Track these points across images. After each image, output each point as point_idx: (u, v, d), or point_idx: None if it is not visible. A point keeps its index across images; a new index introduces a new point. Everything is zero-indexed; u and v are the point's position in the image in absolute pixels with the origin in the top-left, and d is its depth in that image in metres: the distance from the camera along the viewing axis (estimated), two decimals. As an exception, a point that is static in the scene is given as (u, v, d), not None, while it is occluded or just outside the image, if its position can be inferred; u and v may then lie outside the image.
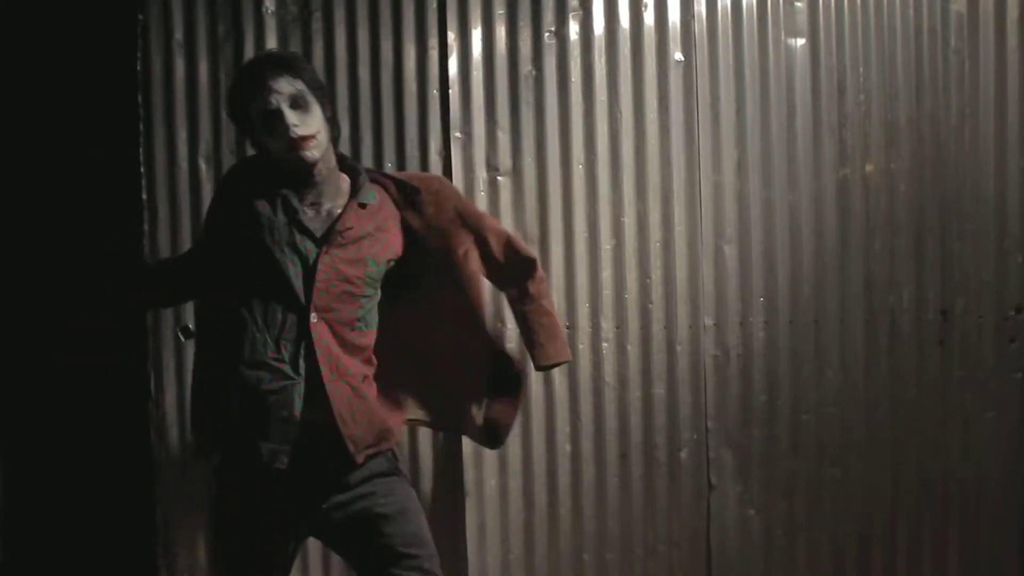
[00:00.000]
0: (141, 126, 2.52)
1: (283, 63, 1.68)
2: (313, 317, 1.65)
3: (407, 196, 1.86)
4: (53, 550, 3.01)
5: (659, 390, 2.52)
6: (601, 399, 2.52)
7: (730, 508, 2.56)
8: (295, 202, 1.70)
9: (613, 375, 2.52)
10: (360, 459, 1.71)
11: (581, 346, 2.51)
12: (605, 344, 2.52)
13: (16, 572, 2.95)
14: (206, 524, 1.80)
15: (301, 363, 1.65)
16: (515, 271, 2.04)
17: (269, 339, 1.64)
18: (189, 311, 2.52)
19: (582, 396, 2.52)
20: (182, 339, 2.53)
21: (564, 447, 2.52)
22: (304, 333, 1.65)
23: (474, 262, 1.93)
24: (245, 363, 1.64)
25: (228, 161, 2.51)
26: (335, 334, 1.69)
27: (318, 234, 1.71)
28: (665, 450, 2.54)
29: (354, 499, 1.72)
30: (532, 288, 2.05)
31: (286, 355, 1.64)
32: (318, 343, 1.65)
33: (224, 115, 2.48)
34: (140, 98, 2.52)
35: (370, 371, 1.80)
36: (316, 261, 1.67)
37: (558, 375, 2.51)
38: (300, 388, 1.65)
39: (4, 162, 2.98)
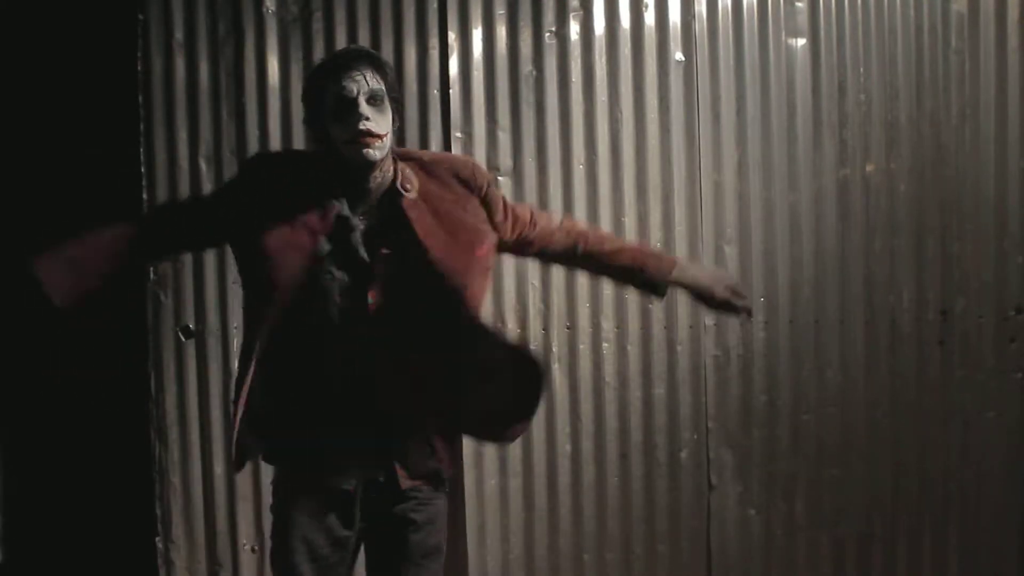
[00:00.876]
0: (141, 126, 2.52)
1: (373, 59, 1.62)
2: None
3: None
4: (53, 550, 3.01)
5: (659, 390, 2.52)
6: (601, 399, 2.52)
7: (730, 508, 2.56)
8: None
9: (613, 375, 2.52)
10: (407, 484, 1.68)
11: (581, 346, 2.52)
12: (606, 344, 2.52)
13: (16, 572, 2.95)
14: (272, 535, 1.78)
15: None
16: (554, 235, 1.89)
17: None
18: (189, 311, 2.52)
19: (582, 396, 2.52)
20: (182, 339, 2.53)
21: (564, 447, 2.53)
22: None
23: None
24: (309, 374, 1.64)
25: (228, 161, 2.51)
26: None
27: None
28: (665, 450, 2.54)
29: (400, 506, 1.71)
30: (581, 237, 1.86)
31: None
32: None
33: (224, 115, 2.51)
34: (140, 98, 2.51)
35: None
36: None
37: (558, 375, 2.51)
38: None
39: (4, 162, 2.98)
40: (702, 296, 1.83)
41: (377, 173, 1.62)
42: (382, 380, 1.62)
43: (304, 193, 1.60)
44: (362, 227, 1.62)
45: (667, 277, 1.80)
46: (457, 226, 1.65)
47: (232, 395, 1.76)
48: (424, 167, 1.70)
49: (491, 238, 1.70)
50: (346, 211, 1.60)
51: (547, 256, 1.86)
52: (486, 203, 1.70)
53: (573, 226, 1.86)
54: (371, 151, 1.56)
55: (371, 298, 1.59)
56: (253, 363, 1.62)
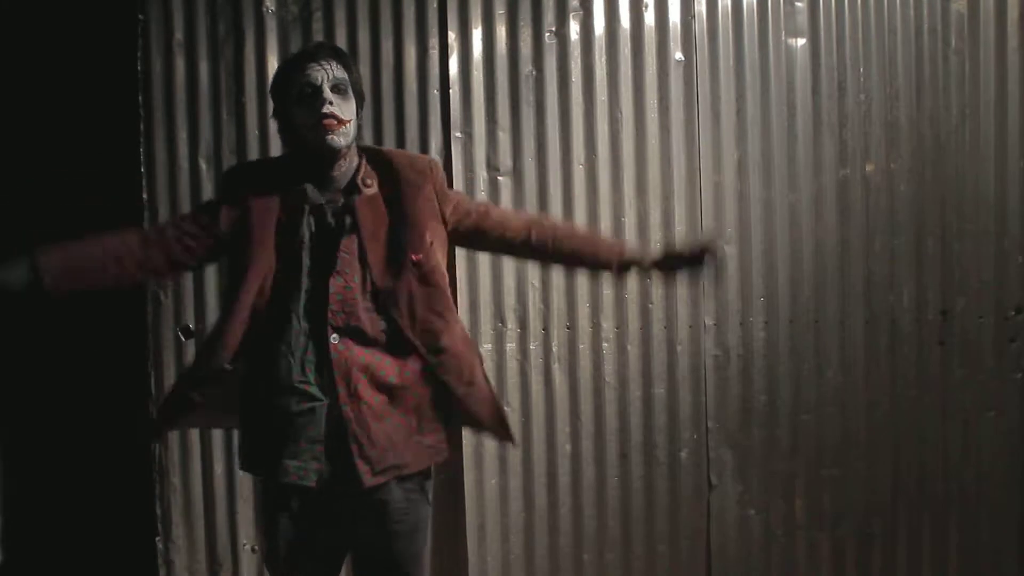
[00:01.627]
0: (141, 126, 2.52)
1: (337, 52, 1.69)
2: (334, 339, 1.63)
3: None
4: (53, 549, 3.01)
5: (659, 390, 2.52)
6: (601, 399, 2.52)
7: (730, 508, 2.56)
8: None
9: (613, 375, 2.52)
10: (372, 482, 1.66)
11: (581, 346, 2.52)
12: (605, 344, 2.52)
13: (16, 572, 2.95)
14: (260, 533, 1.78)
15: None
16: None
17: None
18: (190, 311, 2.52)
19: (582, 396, 2.52)
20: (182, 339, 2.53)
21: (564, 447, 2.53)
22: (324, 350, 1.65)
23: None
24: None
25: (228, 161, 2.51)
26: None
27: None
28: (665, 450, 2.54)
29: (375, 511, 1.70)
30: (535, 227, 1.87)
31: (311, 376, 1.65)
32: (336, 363, 1.63)
33: (224, 115, 2.51)
34: (140, 98, 2.51)
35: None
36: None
37: (558, 375, 2.51)
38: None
39: (4, 162, 2.98)
40: (667, 260, 1.84)
41: (342, 162, 1.67)
42: (340, 375, 1.62)
43: (276, 188, 1.66)
44: (330, 215, 1.66)
45: (623, 255, 1.83)
46: (404, 220, 1.68)
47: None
48: (386, 156, 1.76)
49: (438, 236, 1.72)
50: (315, 198, 1.64)
51: (504, 247, 1.87)
52: (439, 192, 1.74)
53: (527, 215, 1.94)
54: (335, 137, 1.61)
55: (332, 287, 1.62)
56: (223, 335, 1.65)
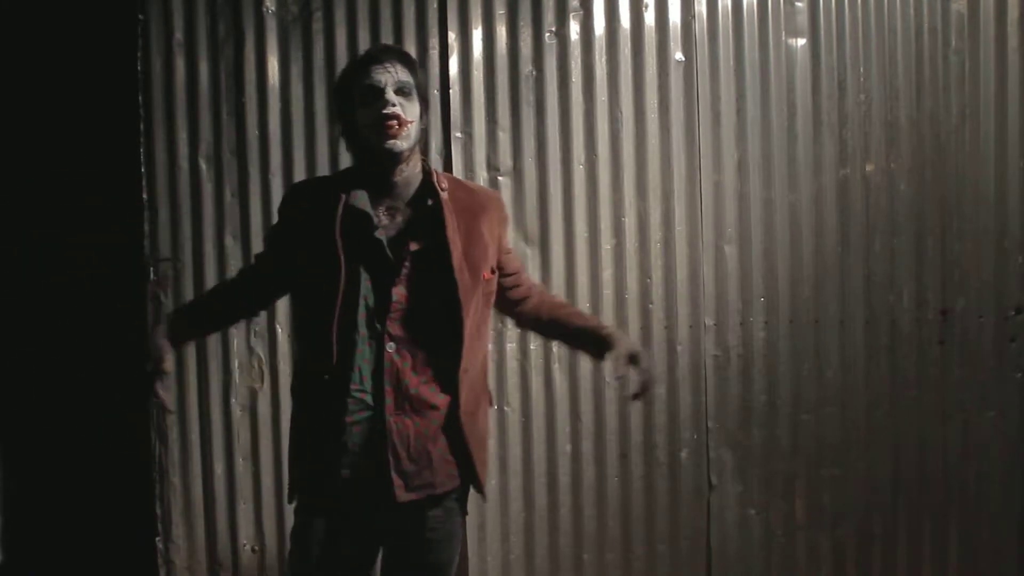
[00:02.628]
0: (141, 126, 2.52)
1: (404, 56, 1.65)
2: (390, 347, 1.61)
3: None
4: (54, 549, 3.01)
5: (659, 390, 2.52)
6: (601, 399, 2.53)
7: (730, 508, 2.56)
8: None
9: (613, 375, 2.52)
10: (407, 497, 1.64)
11: (581, 346, 2.52)
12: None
13: (16, 572, 2.95)
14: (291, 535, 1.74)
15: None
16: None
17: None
18: (189, 311, 2.52)
19: (582, 396, 2.52)
20: (182, 339, 2.53)
21: (564, 447, 2.53)
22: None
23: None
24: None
25: (228, 161, 2.51)
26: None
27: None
28: (665, 450, 2.54)
29: (411, 521, 1.69)
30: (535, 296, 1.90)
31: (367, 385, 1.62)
32: (388, 373, 1.61)
33: (224, 115, 2.51)
34: (140, 98, 2.51)
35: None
36: None
37: (558, 375, 2.51)
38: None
39: (4, 162, 2.97)
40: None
41: (403, 167, 1.63)
42: (391, 385, 1.60)
43: (333, 202, 1.62)
44: (386, 222, 1.63)
45: (612, 341, 1.81)
46: (476, 237, 1.66)
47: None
48: (454, 178, 1.76)
49: (493, 260, 1.71)
50: (362, 204, 1.61)
51: (518, 317, 1.89)
52: (500, 219, 1.75)
53: (540, 290, 1.93)
54: (396, 141, 1.57)
55: (395, 295, 1.59)
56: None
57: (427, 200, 1.64)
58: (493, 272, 1.70)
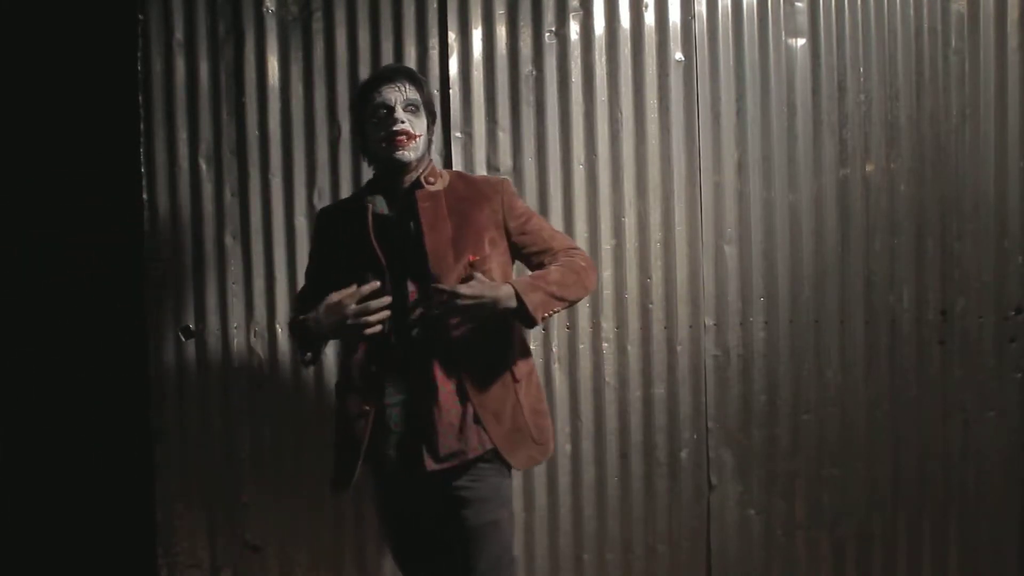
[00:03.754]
0: (141, 126, 2.52)
1: (412, 75, 1.85)
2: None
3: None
4: (54, 549, 3.01)
5: (659, 390, 2.52)
6: (601, 399, 2.53)
7: (730, 508, 2.56)
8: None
9: (613, 375, 2.52)
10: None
11: (581, 346, 2.52)
12: (605, 344, 2.52)
13: (16, 571, 2.95)
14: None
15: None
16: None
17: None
18: (190, 311, 2.52)
19: (582, 396, 2.52)
20: (182, 339, 2.53)
21: (564, 447, 2.53)
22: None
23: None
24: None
25: (228, 161, 2.51)
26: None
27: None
28: (665, 450, 2.54)
29: (443, 480, 1.84)
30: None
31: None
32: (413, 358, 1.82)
33: (224, 115, 2.51)
34: (140, 98, 2.52)
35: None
36: None
37: (559, 375, 2.51)
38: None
39: (4, 162, 2.98)
40: None
41: (412, 174, 1.87)
42: (415, 367, 1.79)
43: (361, 212, 1.85)
44: (394, 220, 1.84)
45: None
46: (466, 223, 1.85)
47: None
48: (465, 175, 1.96)
49: (497, 245, 1.88)
50: (381, 208, 1.85)
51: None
52: (506, 207, 1.91)
53: (561, 261, 1.96)
54: (405, 152, 1.81)
55: (410, 285, 1.81)
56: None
57: (413, 194, 1.85)
58: (480, 255, 1.84)
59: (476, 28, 2.50)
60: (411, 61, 2.50)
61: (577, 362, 2.51)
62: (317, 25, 2.51)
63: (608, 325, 2.52)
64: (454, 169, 2.02)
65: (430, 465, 1.77)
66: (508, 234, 1.91)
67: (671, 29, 2.52)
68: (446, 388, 1.78)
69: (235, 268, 2.52)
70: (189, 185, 2.52)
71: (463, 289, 1.74)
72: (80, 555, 2.99)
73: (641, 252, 2.51)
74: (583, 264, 1.93)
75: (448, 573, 1.88)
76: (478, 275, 1.80)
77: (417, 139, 1.81)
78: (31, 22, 2.94)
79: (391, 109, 1.80)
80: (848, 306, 2.54)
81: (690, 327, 2.53)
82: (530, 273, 1.93)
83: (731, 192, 2.53)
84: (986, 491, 2.56)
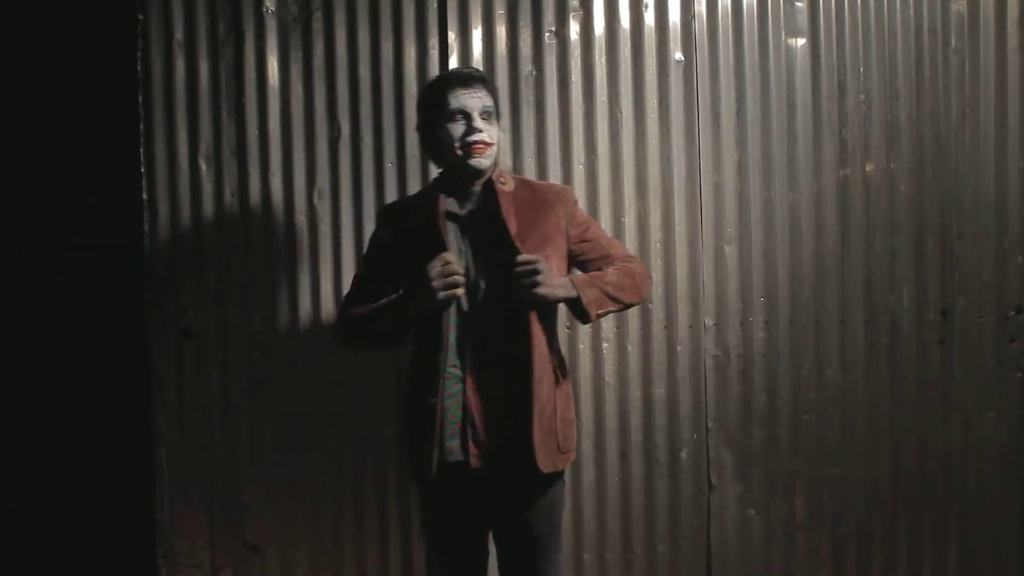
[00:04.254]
0: (141, 126, 2.52)
1: (488, 82, 1.87)
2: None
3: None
4: (54, 550, 3.01)
5: (659, 390, 2.52)
6: (601, 399, 2.52)
7: (730, 508, 2.56)
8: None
9: (613, 375, 2.52)
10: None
11: (581, 346, 2.52)
12: (605, 344, 2.52)
13: (17, 571, 2.95)
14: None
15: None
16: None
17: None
18: (190, 311, 2.52)
19: (582, 396, 2.52)
20: (182, 339, 2.53)
21: (564, 447, 2.52)
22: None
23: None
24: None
25: (228, 161, 2.51)
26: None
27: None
28: (665, 450, 2.54)
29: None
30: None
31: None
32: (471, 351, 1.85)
33: (224, 115, 2.51)
34: (140, 98, 2.51)
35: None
36: None
37: (558, 375, 2.51)
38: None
39: (4, 162, 2.98)
40: None
41: (484, 176, 1.89)
42: (477, 363, 1.82)
43: (432, 211, 1.86)
44: (466, 219, 1.87)
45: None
46: (530, 227, 1.87)
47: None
48: (528, 180, 2.01)
49: (557, 250, 1.91)
50: (453, 209, 1.87)
51: None
52: (568, 214, 1.95)
53: (618, 268, 1.99)
54: (481, 159, 1.83)
55: (482, 283, 1.84)
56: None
57: (489, 194, 1.87)
58: (545, 255, 1.85)
59: (476, 28, 2.50)
60: (411, 61, 2.50)
61: (577, 362, 2.51)
62: (317, 25, 2.51)
63: (608, 325, 2.52)
64: (514, 174, 2.06)
65: (475, 463, 1.80)
66: (568, 240, 1.94)
67: (671, 29, 2.52)
68: (497, 387, 1.82)
69: (235, 268, 2.52)
70: (189, 185, 2.52)
71: (543, 286, 1.77)
72: (80, 555, 2.99)
73: (641, 252, 2.51)
74: (639, 271, 1.99)
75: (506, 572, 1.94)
76: (543, 263, 1.81)
77: (493, 147, 1.84)
78: (31, 22, 2.94)
79: (469, 116, 1.82)
80: (848, 306, 2.54)
81: (690, 327, 2.53)
82: (588, 273, 1.97)
83: (731, 192, 2.53)
84: (986, 491, 2.56)
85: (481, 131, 1.81)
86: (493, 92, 1.87)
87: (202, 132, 2.52)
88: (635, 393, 2.53)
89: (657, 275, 2.51)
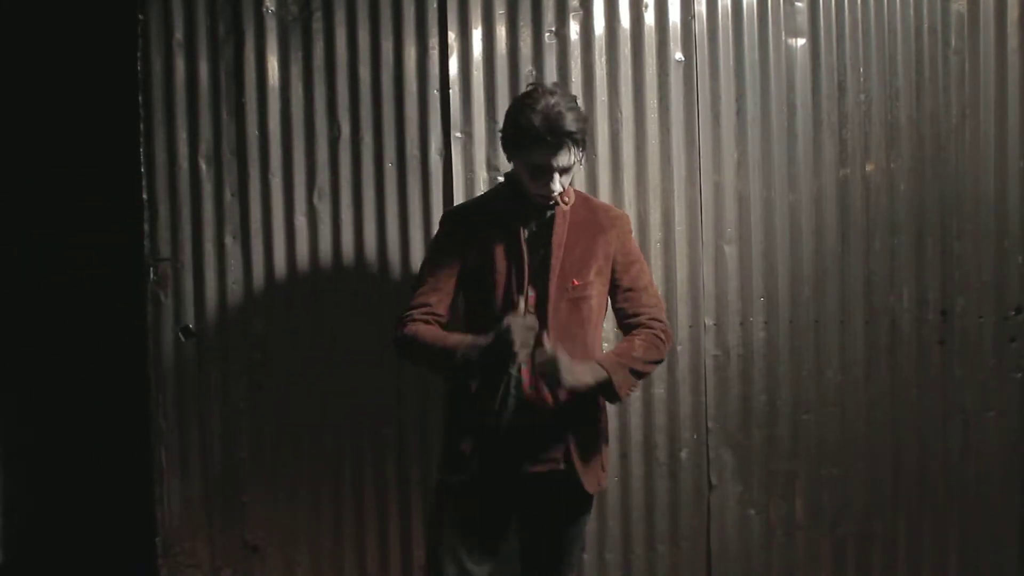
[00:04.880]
0: (141, 126, 2.52)
1: (575, 137, 1.84)
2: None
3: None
4: (54, 549, 3.01)
5: (659, 390, 2.52)
6: (601, 399, 2.52)
7: (730, 508, 2.56)
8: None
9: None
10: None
11: (581, 346, 2.51)
12: (605, 344, 2.52)
13: (16, 572, 2.95)
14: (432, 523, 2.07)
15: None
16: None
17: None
18: (190, 311, 2.52)
19: (582, 396, 2.52)
20: (182, 339, 2.53)
21: (564, 447, 2.52)
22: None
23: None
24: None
25: (228, 161, 2.51)
26: None
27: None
28: (665, 450, 2.54)
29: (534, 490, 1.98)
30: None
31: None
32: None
33: (224, 115, 2.51)
34: (140, 98, 2.51)
35: None
36: None
37: (558, 375, 2.51)
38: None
39: (4, 162, 2.98)
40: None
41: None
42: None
43: (499, 224, 1.94)
44: (528, 235, 1.94)
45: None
46: (578, 247, 1.94)
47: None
48: (590, 199, 2.08)
49: (602, 275, 1.97)
50: (528, 232, 1.94)
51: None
52: (620, 241, 2.00)
53: (645, 334, 2.01)
54: (550, 203, 1.92)
55: (531, 291, 1.91)
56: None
57: (548, 213, 1.95)
58: (583, 282, 1.94)
59: (476, 28, 2.50)
60: (411, 61, 2.50)
61: (577, 362, 2.51)
62: (317, 25, 2.51)
63: (608, 325, 2.51)
64: (576, 189, 2.06)
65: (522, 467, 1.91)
66: (613, 264, 1.99)
67: (671, 29, 2.51)
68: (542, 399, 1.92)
69: (235, 268, 2.52)
70: (189, 185, 2.52)
71: (568, 378, 1.80)
72: (80, 555, 2.99)
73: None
74: (663, 338, 2.01)
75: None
76: (562, 355, 1.81)
77: (567, 193, 1.94)
78: (31, 22, 2.94)
79: (551, 171, 1.85)
80: (848, 306, 2.54)
81: (690, 327, 2.53)
82: (616, 349, 2.00)
83: (731, 192, 2.53)
84: (986, 491, 2.56)
85: (557, 187, 1.87)
86: (582, 141, 1.87)
87: (202, 132, 2.52)
88: (635, 393, 2.52)
89: (657, 275, 2.51)
